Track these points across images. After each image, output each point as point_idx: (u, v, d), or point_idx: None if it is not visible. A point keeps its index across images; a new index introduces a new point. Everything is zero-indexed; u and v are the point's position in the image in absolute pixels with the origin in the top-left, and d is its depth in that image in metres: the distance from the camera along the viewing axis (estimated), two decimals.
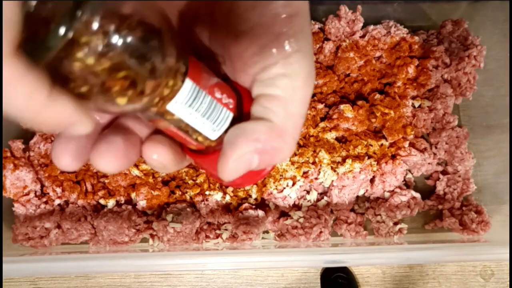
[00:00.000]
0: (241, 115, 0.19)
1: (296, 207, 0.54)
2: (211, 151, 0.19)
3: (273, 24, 0.17)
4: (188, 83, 0.16)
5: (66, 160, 0.18)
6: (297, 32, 0.17)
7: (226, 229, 0.53)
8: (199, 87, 0.17)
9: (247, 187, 0.53)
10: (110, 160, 0.18)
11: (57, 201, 0.52)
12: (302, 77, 0.17)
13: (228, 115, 0.18)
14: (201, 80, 0.17)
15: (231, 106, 0.19)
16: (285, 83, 0.17)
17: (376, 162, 0.53)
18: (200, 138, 0.18)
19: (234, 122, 0.19)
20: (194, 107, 0.17)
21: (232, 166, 0.18)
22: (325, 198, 0.54)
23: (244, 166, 0.18)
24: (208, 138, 0.18)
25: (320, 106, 0.54)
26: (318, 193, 0.54)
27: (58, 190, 0.51)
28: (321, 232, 0.51)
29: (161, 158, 0.19)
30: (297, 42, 0.17)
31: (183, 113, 0.17)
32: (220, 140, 0.19)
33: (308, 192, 0.54)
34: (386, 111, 0.53)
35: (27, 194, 0.51)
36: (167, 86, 0.16)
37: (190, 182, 0.52)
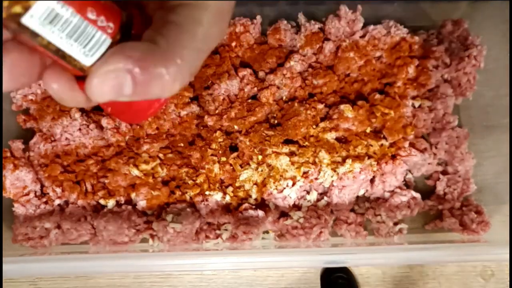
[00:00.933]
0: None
1: (296, 207, 0.54)
2: None
3: None
4: None
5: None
6: None
7: (226, 229, 0.53)
8: (64, 2, 0.16)
9: (247, 187, 0.52)
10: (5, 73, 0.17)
11: (57, 201, 0.52)
12: (208, 13, 0.16)
13: (104, 40, 0.17)
14: None
15: (109, 31, 0.17)
16: (186, 12, 0.16)
17: (376, 162, 0.53)
18: (76, 64, 0.17)
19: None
20: (57, 25, 0.16)
21: (97, 82, 0.16)
22: (325, 198, 0.54)
23: (112, 85, 0.16)
24: (81, 63, 0.17)
25: (320, 106, 0.54)
26: (318, 193, 0.54)
27: (58, 190, 0.51)
28: (321, 232, 0.51)
29: (60, 88, 0.18)
30: None
31: (44, 31, 0.16)
32: None
33: (308, 192, 0.54)
34: (386, 111, 0.53)
35: (27, 194, 0.51)
36: None
37: (190, 182, 0.52)
